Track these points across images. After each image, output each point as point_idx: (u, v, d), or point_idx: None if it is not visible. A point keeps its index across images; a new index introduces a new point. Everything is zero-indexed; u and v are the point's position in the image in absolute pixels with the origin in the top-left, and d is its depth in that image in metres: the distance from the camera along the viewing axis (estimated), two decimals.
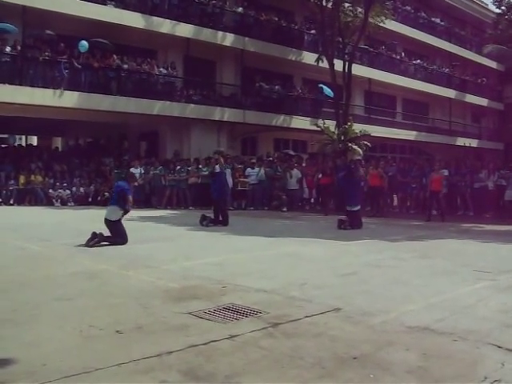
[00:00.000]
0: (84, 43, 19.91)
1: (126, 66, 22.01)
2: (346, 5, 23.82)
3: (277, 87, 26.90)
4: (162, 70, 23.24)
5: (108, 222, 10.11)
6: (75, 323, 4.97)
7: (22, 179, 20.57)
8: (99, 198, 20.70)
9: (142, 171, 20.51)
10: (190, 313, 5.34)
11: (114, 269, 7.70)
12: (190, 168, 20.46)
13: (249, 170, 20.56)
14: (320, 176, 19.49)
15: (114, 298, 5.94)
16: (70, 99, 19.97)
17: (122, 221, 10.25)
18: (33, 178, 20.85)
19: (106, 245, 9.78)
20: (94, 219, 13.08)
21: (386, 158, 23.29)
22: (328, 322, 5.12)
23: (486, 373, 3.95)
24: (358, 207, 13.75)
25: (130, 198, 10.30)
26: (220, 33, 24.83)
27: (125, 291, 6.31)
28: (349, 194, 14.04)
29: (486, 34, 39.26)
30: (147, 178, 20.45)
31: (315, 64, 24.78)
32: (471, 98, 39.06)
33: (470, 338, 4.67)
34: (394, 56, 34.12)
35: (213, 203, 14.13)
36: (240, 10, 26.10)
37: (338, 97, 22.42)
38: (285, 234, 12.26)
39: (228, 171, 19.49)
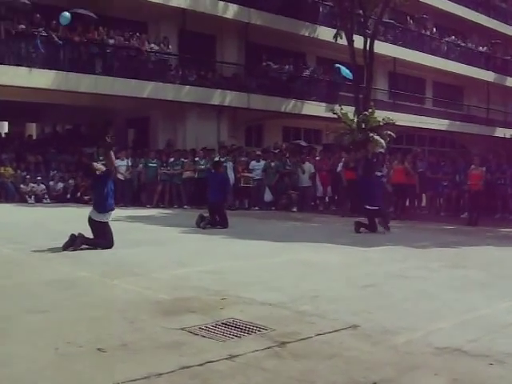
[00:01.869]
0: (66, 15, 19.88)
1: (111, 42, 22.03)
2: None
3: (287, 67, 26.89)
4: (153, 45, 23.25)
5: (92, 222, 10.10)
6: (50, 339, 4.98)
7: None
8: (79, 195, 20.74)
9: (130, 164, 20.51)
10: (183, 328, 5.35)
11: (95, 276, 7.72)
12: (185, 160, 20.48)
13: (253, 163, 20.55)
14: (340, 169, 19.31)
15: (96, 311, 5.96)
16: (46, 79, 19.99)
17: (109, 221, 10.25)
18: (2, 170, 20.86)
19: (87, 248, 9.79)
20: (73, 219, 13.12)
21: (414, 151, 23.26)
22: (343, 341, 5.12)
23: None
24: (379, 207, 13.76)
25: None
26: (221, 3, 24.84)
27: (108, 303, 6.33)
28: (368, 193, 14.03)
29: None
30: (135, 171, 20.46)
31: (332, 41, 24.77)
32: None
33: (509, 362, 4.66)
34: (423, 32, 34.04)
35: (209, 205, 14.19)
36: None
37: (358, 79, 22.41)
38: (294, 238, 12.26)
39: (229, 165, 19.53)
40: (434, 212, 19.40)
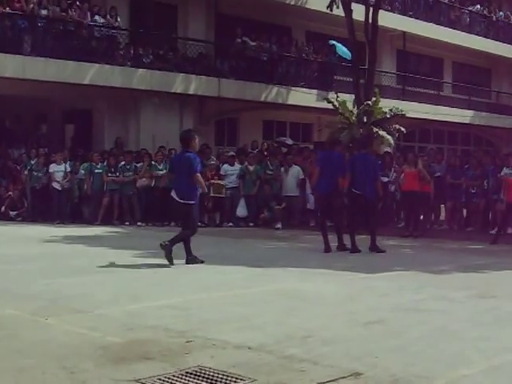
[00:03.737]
0: None
1: (44, 13, 21.95)
2: None
3: (268, 45, 26.95)
4: (97, 18, 23.21)
5: (183, 207, 11.57)
6: None
7: None
8: (3, 209, 20.59)
9: (68, 169, 20.43)
10: (137, 380, 5.33)
11: (25, 314, 7.68)
12: (139, 165, 20.44)
13: (226, 167, 20.55)
14: None
15: (25, 359, 5.92)
16: None
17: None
18: None
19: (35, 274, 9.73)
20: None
21: (429, 150, 23.40)
22: None
23: None
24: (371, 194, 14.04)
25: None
26: None
27: (41, 348, 6.29)
28: (359, 176, 14.10)
29: None
30: (76, 179, 20.37)
31: (325, 11, 24.86)
32: None
33: None
34: None
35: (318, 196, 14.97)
36: None
37: (359, 59, 22.52)
38: (279, 262, 12.27)
39: None
40: (455, 227, 19.49)
